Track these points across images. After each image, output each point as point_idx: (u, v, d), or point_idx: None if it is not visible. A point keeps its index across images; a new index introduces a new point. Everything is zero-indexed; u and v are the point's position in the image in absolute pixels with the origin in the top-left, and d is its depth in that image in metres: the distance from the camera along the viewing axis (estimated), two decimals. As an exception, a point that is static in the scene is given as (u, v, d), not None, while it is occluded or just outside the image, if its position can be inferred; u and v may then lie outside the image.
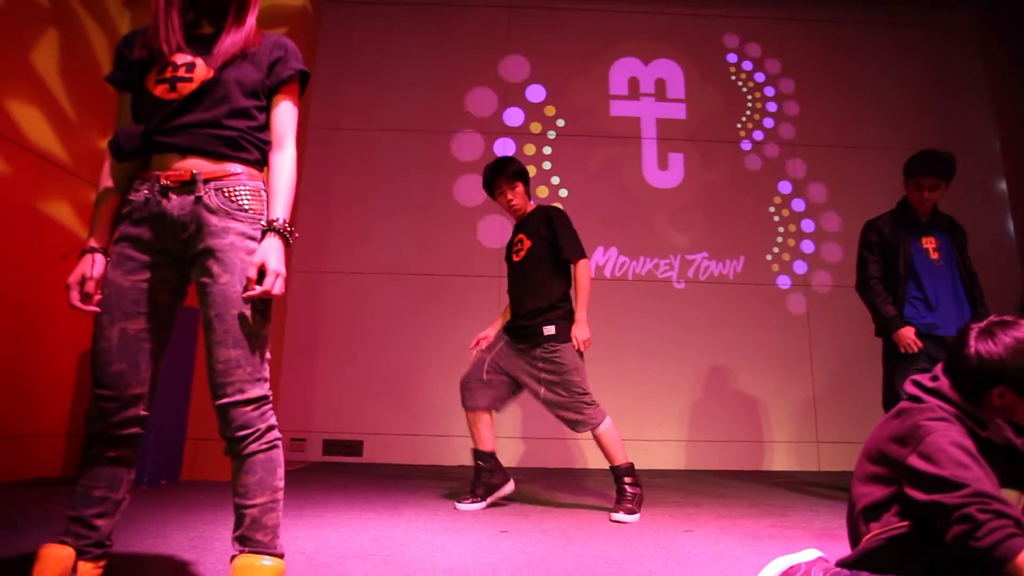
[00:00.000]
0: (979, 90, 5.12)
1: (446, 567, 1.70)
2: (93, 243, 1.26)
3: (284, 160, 1.32)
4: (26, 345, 2.92)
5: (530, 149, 4.94)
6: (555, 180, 4.89)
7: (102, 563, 1.22)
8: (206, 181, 1.23)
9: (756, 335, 4.70)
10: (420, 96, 5.00)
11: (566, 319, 2.65)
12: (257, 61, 1.33)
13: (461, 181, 4.89)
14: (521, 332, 2.71)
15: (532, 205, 2.92)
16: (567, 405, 2.58)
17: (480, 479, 2.68)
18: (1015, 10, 4.76)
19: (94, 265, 1.23)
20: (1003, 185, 4.94)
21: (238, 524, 1.18)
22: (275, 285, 1.19)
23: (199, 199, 1.22)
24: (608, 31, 5.20)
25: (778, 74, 5.21)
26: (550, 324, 2.62)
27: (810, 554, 1.53)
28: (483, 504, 2.65)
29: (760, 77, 5.22)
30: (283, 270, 1.22)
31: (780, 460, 4.49)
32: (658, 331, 4.65)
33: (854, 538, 1.55)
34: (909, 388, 1.61)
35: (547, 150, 4.96)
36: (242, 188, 1.26)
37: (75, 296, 1.22)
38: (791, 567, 1.46)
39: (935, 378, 1.57)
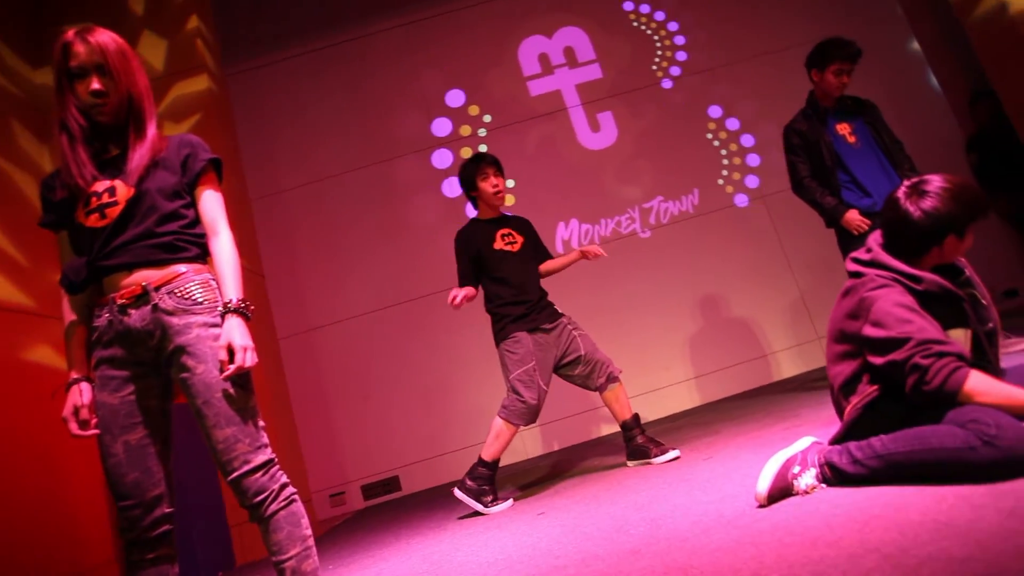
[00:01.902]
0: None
1: (491, 560, 1.82)
2: (75, 374, 1.36)
3: (222, 244, 1.42)
4: (52, 487, 3.00)
5: (467, 152, 5.03)
6: (499, 174, 4.98)
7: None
8: (157, 288, 1.33)
9: (731, 258, 4.83)
10: (349, 135, 5.08)
11: None
12: (169, 165, 1.42)
13: (412, 203, 4.98)
14: (543, 315, 2.85)
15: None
16: (601, 355, 2.80)
17: (487, 486, 2.71)
18: None
19: (82, 394, 1.33)
20: (915, 45, 5.08)
21: (280, 579, 1.29)
22: (246, 359, 1.29)
23: (156, 306, 1.32)
24: (505, 17, 5.29)
25: (677, 6, 5.31)
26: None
27: (804, 442, 1.65)
28: (473, 501, 2.69)
29: (660, 15, 5.32)
30: (250, 343, 1.32)
31: (788, 367, 4.63)
32: (639, 284, 4.76)
33: (840, 415, 1.68)
34: (849, 266, 1.74)
35: (483, 148, 5.05)
36: (191, 284, 1.36)
37: (73, 426, 1.32)
38: (788, 459, 1.58)
39: (869, 250, 1.70)
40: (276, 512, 1.29)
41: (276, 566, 1.29)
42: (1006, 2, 3.70)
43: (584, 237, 4.87)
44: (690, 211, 4.93)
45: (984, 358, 1.55)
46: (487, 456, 2.70)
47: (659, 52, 5.25)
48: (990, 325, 1.63)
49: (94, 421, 1.32)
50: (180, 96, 3.88)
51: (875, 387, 1.53)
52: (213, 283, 1.40)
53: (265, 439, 1.34)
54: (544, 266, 3.07)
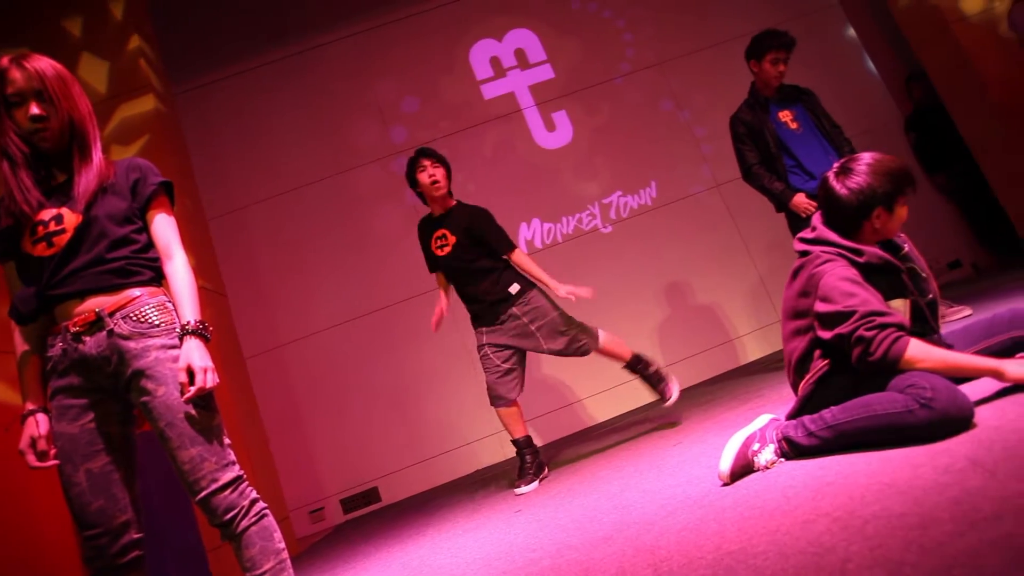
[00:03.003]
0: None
1: (469, 560, 1.84)
2: (30, 405, 1.34)
3: (177, 268, 1.41)
4: (17, 522, 2.91)
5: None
6: (458, 177, 5.00)
7: None
8: (111, 314, 1.32)
9: (692, 247, 4.93)
10: (306, 148, 5.04)
11: (522, 277, 2.91)
12: (118, 190, 1.41)
13: (374, 212, 4.97)
14: (492, 310, 2.86)
15: (453, 201, 3.04)
16: (570, 338, 2.85)
17: (529, 462, 2.84)
18: None
19: (38, 425, 1.31)
20: (851, 31, 5.27)
21: (256, 594, 1.29)
22: (207, 380, 1.29)
23: (111, 332, 1.31)
24: (455, 22, 5.32)
25: (623, 4, 5.40)
26: (512, 284, 2.87)
27: (762, 420, 1.71)
28: (537, 482, 2.77)
29: (607, 13, 5.40)
30: (210, 363, 1.31)
31: (753, 350, 4.74)
32: (604, 278, 4.81)
33: (796, 391, 1.74)
34: (797, 246, 1.81)
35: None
36: (147, 307, 1.35)
37: (31, 458, 1.30)
38: (748, 437, 1.64)
39: (813, 228, 1.77)
40: (247, 528, 1.29)
41: (251, 583, 1.29)
42: (929, -13, 3.88)
43: (547, 236, 4.92)
44: (649, 204, 5.02)
45: (925, 326, 1.63)
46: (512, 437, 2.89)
47: (608, 49, 5.33)
48: (930, 296, 1.71)
49: (52, 451, 1.31)
50: (126, 118, 3.81)
51: (825, 362, 1.60)
52: (169, 305, 1.39)
53: (232, 456, 1.34)
54: (515, 259, 2.92)
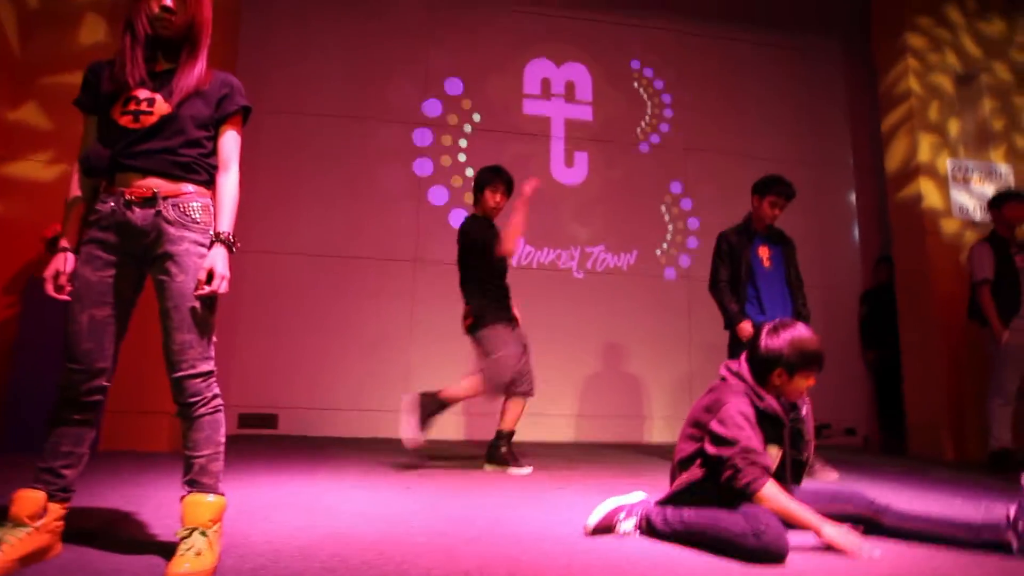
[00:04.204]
0: (839, 114, 5.90)
1: (354, 511, 2.08)
2: (64, 243, 1.53)
3: (229, 181, 1.62)
4: None
5: (447, 140, 5.26)
6: (469, 172, 5.24)
7: (67, 504, 1.51)
8: (164, 198, 1.51)
9: (643, 322, 5.28)
10: (343, 83, 5.18)
11: None
12: (207, 98, 1.61)
13: (381, 169, 5.14)
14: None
15: None
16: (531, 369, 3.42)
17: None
18: (866, 44, 5.47)
19: (66, 263, 1.50)
20: (853, 197, 5.76)
21: (187, 471, 1.50)
22: (221, 286, 1.50)
23: (159, 212, 1.50)
24: (524, 31, 5.55)
25: (675, 81, 5.75)
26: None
27: (636, 496, 2.02)
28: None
29: (659, 84, 5.74)
30: (228, 273, 1.52)
31: (659, 433, 5.12)
32: (558, 316, 5.12)
33: (671, 483, 2.06)
34: (721, 370, 2.13)
35: (462, 142, 5.30)
36: (194, 204, 1.55)
37: (50, 287, 1.48)
38: (619, 506, 1.94)
39: (739, 362, 2.09)
40: (202, 416, 1.50)
41: (187, 460, 1.50)
42: (923, 194, 4.35)
43: (524, 258, 5.19)
44: (624, 268, 5.36)
45: (785, 476, 1.97)
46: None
47: (647, 117, 5.66)
48: (804, 456, 2.05)
49: (68, 288, 1.49)
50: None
51: (703, 471, 1.92)
52: (211, 208, 1.59)
53: (212, 354, 1.55)
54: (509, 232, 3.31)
